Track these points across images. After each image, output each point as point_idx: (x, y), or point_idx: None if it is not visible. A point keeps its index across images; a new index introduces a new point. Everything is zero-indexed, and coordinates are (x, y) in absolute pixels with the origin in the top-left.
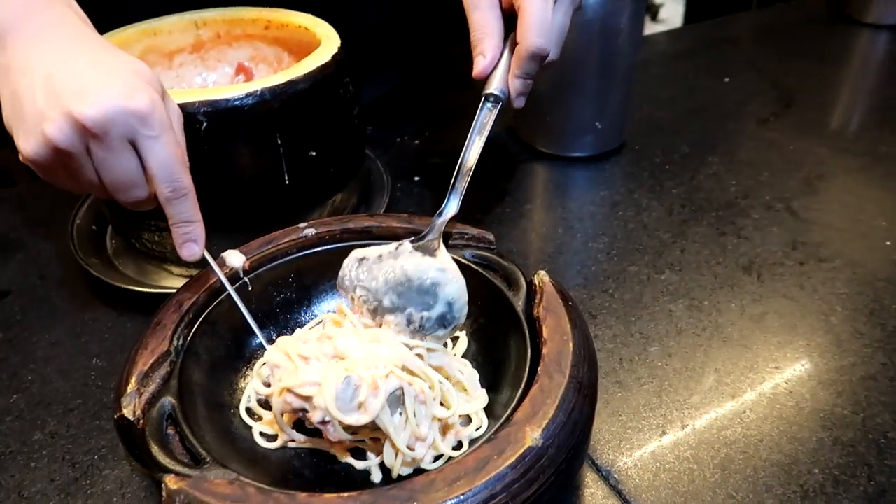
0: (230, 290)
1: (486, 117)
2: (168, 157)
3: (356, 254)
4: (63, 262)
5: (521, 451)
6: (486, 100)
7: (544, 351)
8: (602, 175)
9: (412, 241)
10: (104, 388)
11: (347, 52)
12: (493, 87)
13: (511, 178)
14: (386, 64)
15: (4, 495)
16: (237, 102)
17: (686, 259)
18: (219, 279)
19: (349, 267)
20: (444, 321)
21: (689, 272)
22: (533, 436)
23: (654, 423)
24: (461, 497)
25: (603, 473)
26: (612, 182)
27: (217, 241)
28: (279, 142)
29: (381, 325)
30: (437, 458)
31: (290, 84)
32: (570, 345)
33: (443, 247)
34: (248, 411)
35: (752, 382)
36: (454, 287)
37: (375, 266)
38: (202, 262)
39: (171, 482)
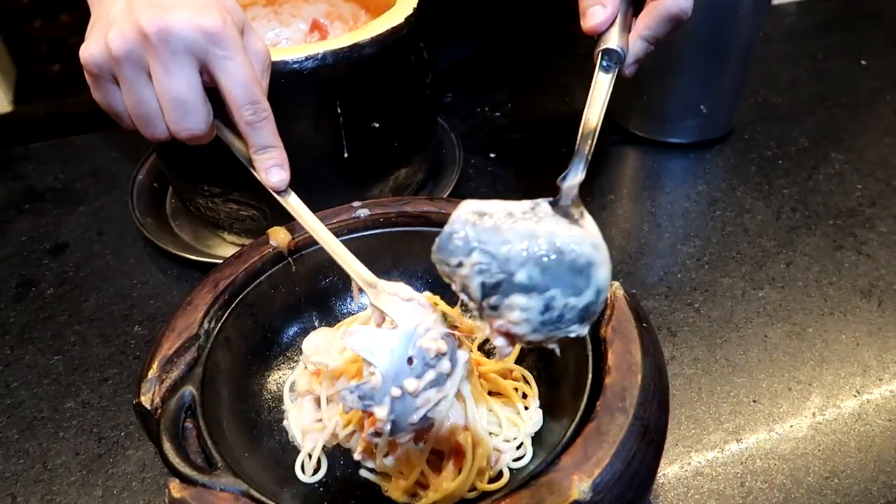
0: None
1: (604, 78)
2: (245, 78)
3: (471, 206)
4: (122, 218)
5: None
6: (603, 57)
7: (607, 381)
8: (702, 166)
9: (550, 202)
10: (141, 359)
11: (426, 11)
12: (613, 42)
13: (595, 161)
14: (468, 26)
15: (29, 464)
16: (296, 66)
17: (791, 275)
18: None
19: (463, 221)
20: (586, 314)
21: (794, 291)
22: (581, 487)
23: (731, 471)
24: None
25: None
26: (712, 175)
27: (258, 213)
28: (339, 111)
29: (496, 310)
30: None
31: (355, 48)
32: (639, 377)
33: (589, 216)
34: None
35: (859, 436)
36: (606, 271)
37: (506, 226)
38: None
39: (174, 489)
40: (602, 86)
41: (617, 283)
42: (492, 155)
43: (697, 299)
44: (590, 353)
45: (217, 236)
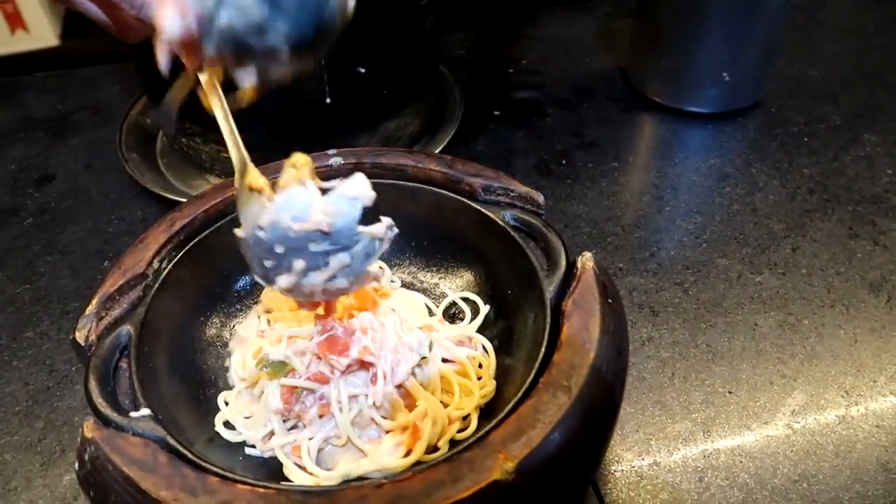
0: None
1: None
2: None
3: None
4: (111, 154)
5: (483, 484)
6: None
7: (555, 357)
8: (718, 139)
9: None
10: None
11: None
12: None
13: (605, 126)
14: None
15: None
16: None
17: (796, 261)
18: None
19: None
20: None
21: (795, 279)
22: (504, 467)
23: (691, 464)
24: None
25: None
26: (728, 149)
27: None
28: None
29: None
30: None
31: None
32: (591, 356)
33: None
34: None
35: (839, 440)
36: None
37: None
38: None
39: (87, 428)
40: None
41: (588, 254)
42: (496, 113)
43: (688, 279)
44: (547, 326)
45: (202, 178)
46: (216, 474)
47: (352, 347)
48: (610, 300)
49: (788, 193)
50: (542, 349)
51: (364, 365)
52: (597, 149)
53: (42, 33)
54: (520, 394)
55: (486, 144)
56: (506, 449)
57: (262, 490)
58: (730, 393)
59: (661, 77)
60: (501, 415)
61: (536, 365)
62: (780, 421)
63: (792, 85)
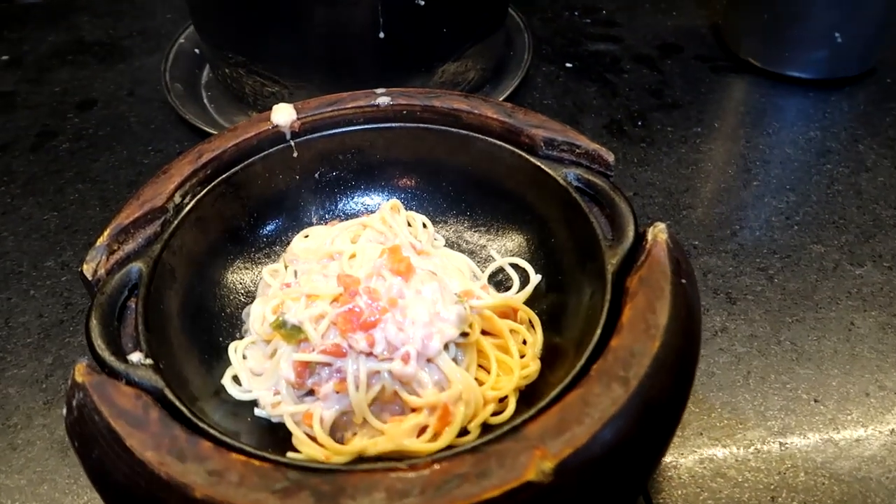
0: None
1: None
2: None
3: None
4: (156, 82)
5: (514, 484)
6: None
7: (613, 342)
8: (821, 109)
9: None
10: None
11: None
12: None
13: (690, 87)
14: None
15: None
16: None
17: None
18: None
19: None
20: None
21: None
22: (541, 466)
23: (763, 480)
24: None
25: None
26: (832, 121)
27: (283, 91)
28: None
29: None
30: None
31: None
32: (656, 344)
33: None
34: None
35: None
36: None
37: None
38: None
39: (79, 372)
40: None
41: (662, 225)
42: (568, 65)
43: (774, 265)
44: (606, 304)
45: (244, 115)
46: (211, 438)
47: (376, 329)
48: (683, 280)
49: None
50: (598, 331)
51: (390, 346)
52: (678, 111)
53: None
54: (567, 380)
55: (553, 98)
56: (544, 445)
57: (257, 463)
58: (815, 401)
59: (759, 35)
60: (542, 403)
61: (590, 349)
62: (875, 441)
63: None
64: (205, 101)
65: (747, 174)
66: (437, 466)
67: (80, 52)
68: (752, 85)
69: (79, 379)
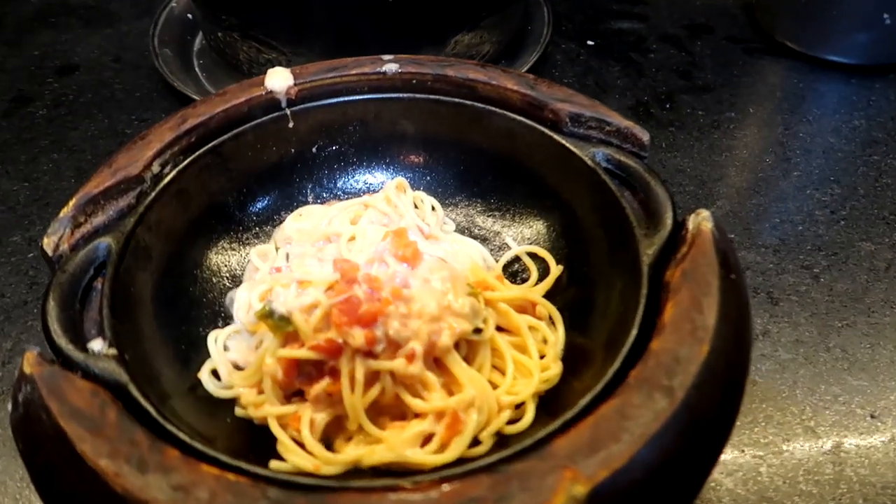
0: None
1: None
2: None
3: None
4: (144, 49)
5: None
6: None
7: (654, 345)
8: (866, 96)
9: None
10: None
11: None
12: None
13: (722, 69)
14: None
15: None
16: None
17: None
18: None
19: None
20: None
21: None
22: (572, 491)
23: (809, 499)
24: None
25: None
26: (878, 109)
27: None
28: None
29: None
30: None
31: None
32: (705, 349)
33: None
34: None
35: None
36: None
37: None
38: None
39: (28, 362)
40: None
41: (706, 213)
42: (590, 43)
43: (819, 263)
44: (642, 300)
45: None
46: (179, 444)
47: (376, 325)
48: (733, 275)
49: None
50: (634, 331)
51: (392, 343)
52: (710, 94)
53: None
54: (598, 387)
55: (574, 77)
56: (575, 465)
57: (231, 477)
58: (872, 417)
59: (798, 17)
60: (570, 414)
61: (624, 352)
62: None
63: None
64: (196, 69)
65: (787, 163)
66: (447, 487)
67: (64, 13)
68: (788, 69)
69: (27, 370)
